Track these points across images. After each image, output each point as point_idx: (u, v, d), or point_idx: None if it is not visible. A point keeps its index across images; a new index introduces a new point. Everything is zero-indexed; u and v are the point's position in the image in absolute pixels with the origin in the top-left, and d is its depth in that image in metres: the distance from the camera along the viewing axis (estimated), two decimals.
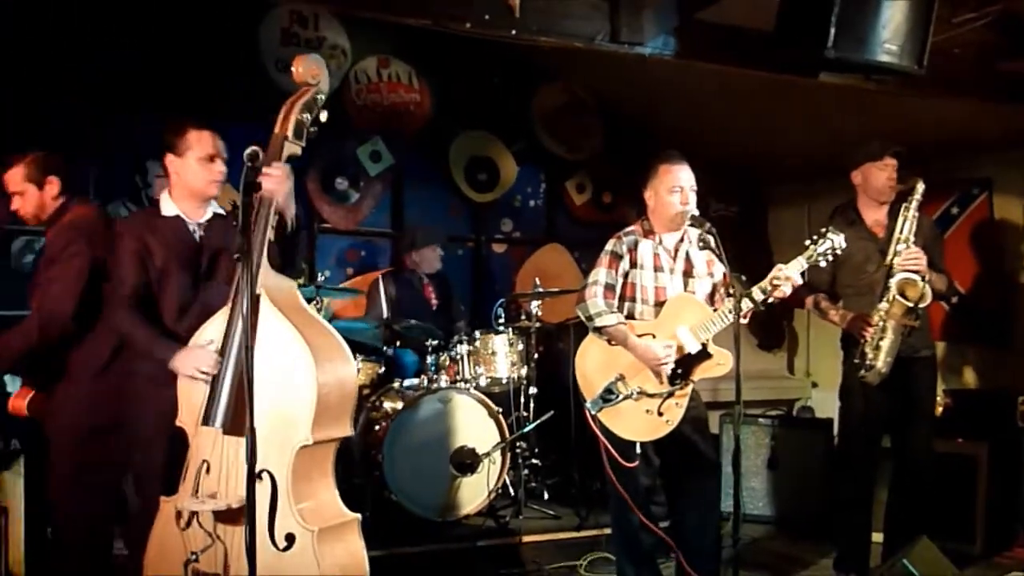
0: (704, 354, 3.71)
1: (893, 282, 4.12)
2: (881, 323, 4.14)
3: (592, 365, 3.85)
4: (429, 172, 6.79)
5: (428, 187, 6.81)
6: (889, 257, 4.17)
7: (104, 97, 5.50)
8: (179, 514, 2.93)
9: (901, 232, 4.17)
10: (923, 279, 4.10)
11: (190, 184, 3.30)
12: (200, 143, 3.27)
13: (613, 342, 3.78)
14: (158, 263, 3.26)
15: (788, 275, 3.63)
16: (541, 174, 7.27)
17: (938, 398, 4.99)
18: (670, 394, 3.71)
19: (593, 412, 3.77)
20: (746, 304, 3.61)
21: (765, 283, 3.65)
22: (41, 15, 5.20)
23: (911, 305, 4.08)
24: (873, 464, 4.41)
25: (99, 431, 3.42)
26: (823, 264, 3.73)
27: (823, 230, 3.72)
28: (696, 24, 3.92)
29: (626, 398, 3.73)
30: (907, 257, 4.13)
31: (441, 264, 5.97)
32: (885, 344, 4.15)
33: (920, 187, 4.18)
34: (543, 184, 7.30)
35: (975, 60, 4.49)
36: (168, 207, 3.34)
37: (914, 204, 4.17)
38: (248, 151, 2.88)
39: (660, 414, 3.71)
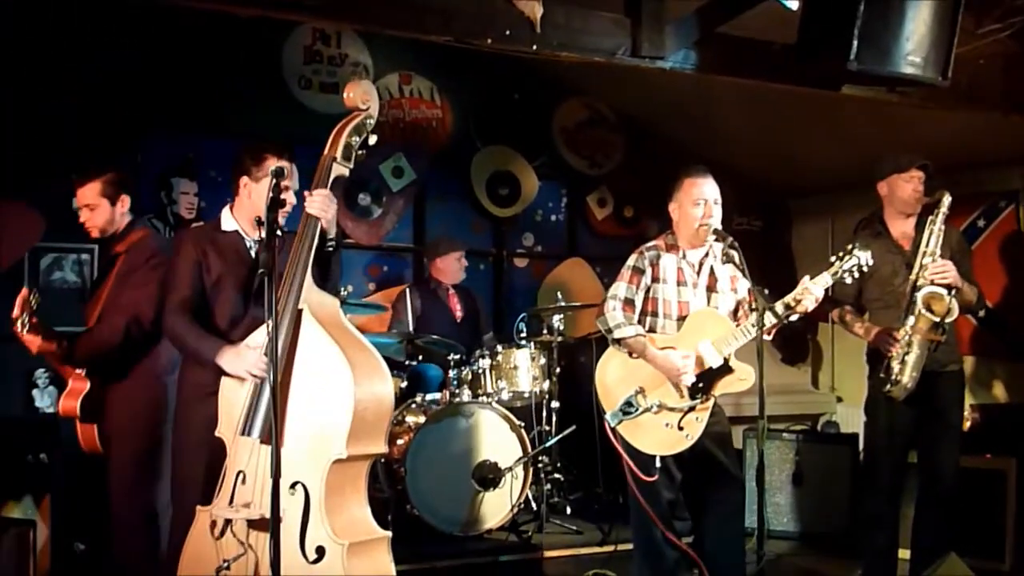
0: (726, 369, 3.70)
1: (919, 296, 4.07)
2: (907, 337, 4.09)
3: (612, 377, 3.84)
4: (451, 187, 6.82)
5: (450, 202, 6.83)
6: (915, 270, 4.13)
7: (131, 116, 5.56)
8: (214, 523, 2.96)
9: (927, 245, 4.12)
10: (950, 292, 4.05)
11: (259, 208, 3.27)
12: None
13: (633, 354, 3.77)
14: (213, 275, 3.30)
15: (812, 292, 3.61)
16: (562, 189, 7.28)
17: (965, 413, 4.93)
18: (691, 408, 3.69)
19: (612, 424, 3.76)
20: (769, 319, 3.59)
21: (789, 298, 3.64)
22: (78, 45, 5.29)
23: (937, 320, 4.03)
24: (899, 479, 4.35)
25: (154, 431, 3.46)
26: (848, 281, 3.71)
27: (849, 247, 3.70)
28: (717, 38, 3.91)
29: (646, 411, 3.72)
30: (935, 270, 4.08)
31: (464, 275, 5.98)
32: (911, 359, 4.09)
33: (947, 199, 4.13)
34: (564, 199, 7.30)
35: (1001, 71, 4.45)
36: (228, 223, 3.38)
37: (940, 216, 4.13)
38: (274, 167, 2.95)
39: (680, 428, 3.69)
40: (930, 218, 4.15)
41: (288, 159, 3.28)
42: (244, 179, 3.33)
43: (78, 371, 3.74)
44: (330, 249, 3.21)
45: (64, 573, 4.16)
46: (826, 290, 3.77)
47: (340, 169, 3.15)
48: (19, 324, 3.64)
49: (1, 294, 5.18)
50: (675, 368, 3.68)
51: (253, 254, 3.37)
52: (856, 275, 3.70)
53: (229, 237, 3.36)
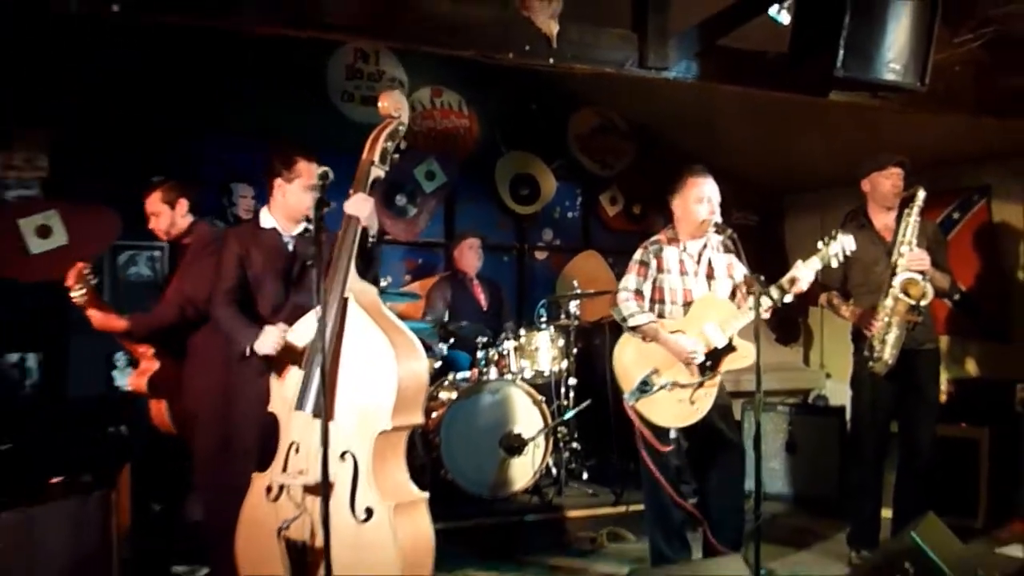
0: (730, 347, 3.69)
1: (897, 281, 4.06)
2: (887, 319, 4.08)
3: (629, 360, 3.82)
4: (478, 188, 6.83)
5: (477, 201, 6.84)
6: (893, 258, 4.11)
7: (195, 131, 5.61)
8: (269, 488, 2.98)
9: (904, 235, 4.10)
10: (925, 278, 4.02)
11: (293, 206, 3.34)
12: (308, 172, 3.29)
13: (647, 339, 3.76)
14: (255, 268, 3.32)
15: (804, 275, 3.60)
16: (577, 189, 7.27)
17: (942, 387, 4.90)
18: (700, 384, 3.68)
19: (631, 402, 3.73)
20: (766, 301, 3.57)
21: (784, 281, 3.63)
22: (156, 65, 5.36)
23: (914, 303, 4.02)
24: (882, 447, 4.32)
25: (219, 407, 3.44)
26: (835, 264, 3.69)
27: (833, 232, 3.70)
28: (716, 50, 3.88)
29: (660, 389, 3.71)
30: (911, 259, 4.06)
31: (480, 262, 5.93)
32: (891, 338, 4.09)
33: (921, 194, 4.11)
34: (579, 197, 7.29)
35: (973, 77, 4.40)
36: (267, 220, 3.40)
37: (916, 209, 4.10)
38: (319, 170, 2.96)
39: (692, 403, 3.69)
40: (906, 211, 4.13)
41: (315, 160, 3.29)
42: (277, 181, 3.34)
43: (149, 352, 3.78)
44: (372, 242, 3.21)
45: (142, 531, 4.20)
46: (816, 277, 3.75)
47: (377, 172, 3.15)
48: (74, 294, 3.67)
49: None
50: (685, 350, 3.67)
51: (290, 248, 3.38)
52: (842, 258, 3.68)
53: (268, 234, 3.37)
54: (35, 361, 5.02)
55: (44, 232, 5.09)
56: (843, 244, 3.65)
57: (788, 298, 3.69)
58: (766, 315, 3.63)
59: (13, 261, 5.01)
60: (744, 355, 3.68)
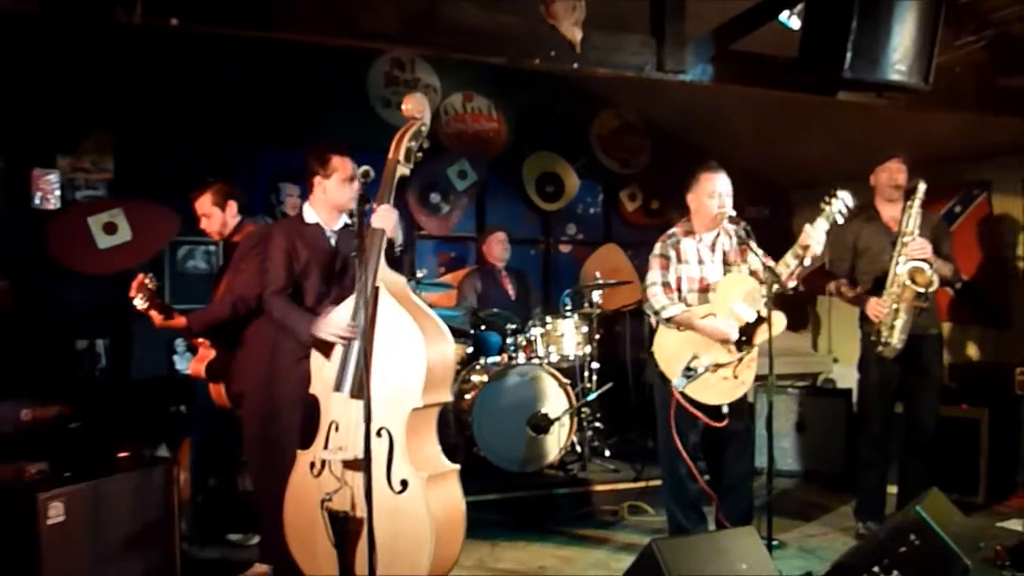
0: (760, 320, 3.61)
1: (903, 270, 3.98)
2: (894, 306, 4.01)
3: (668, 351, 3.74)
4: (506, 186, 6.82)
5: (505, 199, 6.83)
6: (897, 248, 4.03)
7: (246, 135, 5.65)
8: (313, 464, 2.99)
9: (907, 226, 4.03)
10: (930, 266, 3.95)
11: (333, 200, 3.31)
12: (343, 167, 3.27)
13: (681, 327, 3.71)
14: (302, 261, 3.29)
15: (814, 237, 3.51)
16: (599, 186, 7.23)
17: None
18: (740, 359, 3.62)
19: (680, 389, 3.65)
20: (787, 267, 3.52)
21: (797, 247, 3.55)
22: (209, 74, 5.39)
23: (921, 290, 3.94)
24: (887, 427, 4.25)
25: (268, 389, 3.44)
26: (840, 220, 3.59)
27: (832, 191, 3.59)
28: (730, 54, 3.83)
29: (704, 372, 3.65)
30: (913, 247, 3.98)
31: (508, 254, 5.92)
32: (899, 323, 4.01)
33: (922, 187, 4.03)
34: (601, 194, 7.25)
35: (974, 77, 4.31)
36: (310, 216, 3.37)
37: (917, 201, 4.03)
38: (361, 169, 2.95)
39: (735, 377, 3.62)
40: (908, 203, 4.05)
41: (348, 155, 3.27)
42: (316, 178, 3.31)
43: (207, 342, 3.80)
44: (398, 253, 3.18)
45: (200, 503, 4.24)
46: (823, 267, 3.68)
47: (403, 170, 3.10)
48: (137, 303, 3.70)
49: None
50: (720, 332, 3.61)
51: (332, 242, 3.36)
52: (845, 212, 3.57)
53: (312, 229, 3.35)
54: (103, 347, 5.09)
55: (110, 229, 5.15)
56: (843, 200, 3.56)
57: (807, 261, 3.58)
58: (792, 284, 3.59)
59: (83, 256, 5.08)
60: (776, 323, 3.54)
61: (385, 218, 3.04)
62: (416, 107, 3.16)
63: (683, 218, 3.92)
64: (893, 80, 3.58)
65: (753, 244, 3.64)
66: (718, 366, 3.63)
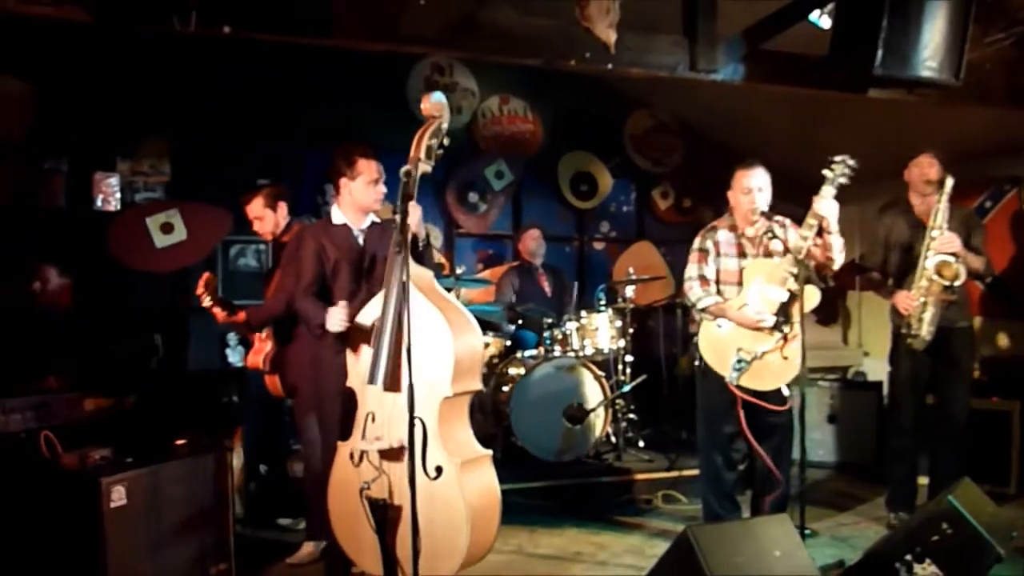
0: (794, 297, 3.55)
1: (930, 264, 3.92)
2: (922, 299, 3.95)
3: (717, 349, 3.68)
4: (542, 185, 6.80)
5: (541, 197, 6.81)
6: (926, 242, 3.96)
7: (293, 138, 5.71)
8: (352, 454, 3.01)
9: (935, 221, 3.95)
10: (957, 260, 3.86)
11: (359, 201, 3.33)
12: (368, 169, 3.29)
13: (716, 318, 3.67)
14: (331, 260, 3.31)
15: (824, 206, 3.49)
16: (632, 184, 7.18)
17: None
18: (784, 339, 3.56)
19: (733, 383, 3.61)
20: (805, 241, 3.48)
21: (808, 219, 3.49)
22: (260, 80, 5.47)
23: (947, 283, 3.87)
24: (918, 417, 4.18)
25: (318, 381, 3.47)
26: (845, 181, 3.53)
27: (837, 159, 3.55)
28: (760, 53, 3.79)
29: (752, 361, 3.60)
30: (941, 241, 3.91)
31: (543, 250, 5.90)
32: (927, 316, 3.96)
33: (950, 182, 3.95)
34: (634, 193, 7.20)
35: (1005, 74, 4.21)
36: (338, 217, 3.38)
37: (945, 196, 3.94)
38: (403, 169, 2.97)
39: (785, 358, 3.56)
40: (936, 198, 3.97)
41: (373, 157, 3.28)
42: (343, 180, 3.32)
43: (262, 336, 3.86)
44: (421, 248, 3.17)
45: (252, 488, 4.31)
46: (853, 260, 3.61)
47: (424, 167, 3.07)
48: (203, 300, 3.78)
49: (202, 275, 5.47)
50: (753, 320, 3.57)
51: (360, 241, 3.36)
52: (848, 172, 3.52)
53: (340, 229, 3.35)
54: (160, 340, 5.19)
55: (167, 229, 5.25)
56: (845, 163, 3.50)
57: (832, 236, 3.52)
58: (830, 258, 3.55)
59: (142, 254, 5.19)
60: (810, 297, 3.51)
61: (410, 213, 3.02)
62: (434, 107, 3.14)
63: (718, 216, 3.90)
64: (924, 76, 3.50)
65: (784, 238, 3.59)
66: (764, 353, 3.58)
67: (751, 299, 3.61)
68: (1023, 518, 4.11)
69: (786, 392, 3.64)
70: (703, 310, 3.70)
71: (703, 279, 3.73)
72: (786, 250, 3.54)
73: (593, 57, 3.51)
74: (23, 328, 3.99)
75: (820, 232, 3.51)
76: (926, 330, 3.95)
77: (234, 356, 5.24)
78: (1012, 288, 5.34)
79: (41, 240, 4.91)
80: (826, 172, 3.54)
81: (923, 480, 4.26)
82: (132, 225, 5.21)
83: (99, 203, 5.15)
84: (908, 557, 2.95)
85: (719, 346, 3.68)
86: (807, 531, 3.46)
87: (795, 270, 3.50)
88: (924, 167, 4.06)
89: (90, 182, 5.14)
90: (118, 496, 3.02)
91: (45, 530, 3.02)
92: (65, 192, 5.09)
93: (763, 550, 2.66)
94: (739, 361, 3.61)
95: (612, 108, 6.84)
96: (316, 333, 3.21)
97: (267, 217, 3.99)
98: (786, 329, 3.55)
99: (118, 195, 5.18)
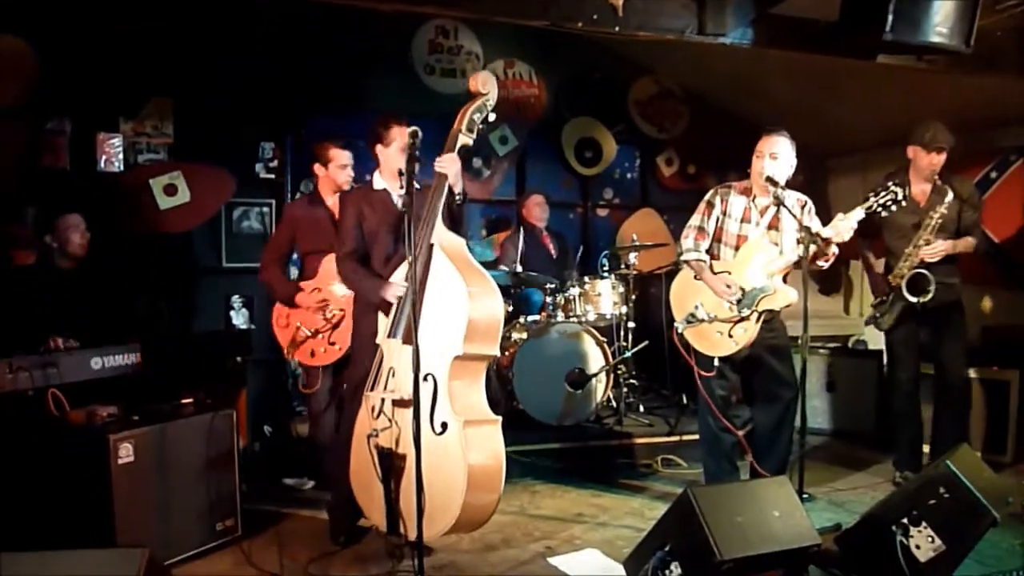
0: (770, 288, 3.59)
1: (903, 283, 4.05)
2: (891, 296, 4.12)
3: (682, 293, 3.83)
4: (546, 151, 6.75)
5: (545, 163, 6.76)
6: (916, 239, 4.04)
7: (295, 101, 5.66)
8: (373, 407, 3.10)
9: (925, 231, 4.03)
10: (932, 277, 3.98)
11: (391, 167, 3.35)
12: (402, 135, 3.28)
13: (695, 275, 3.74)
14: (371, 225, 3.36)
15: (846, 226, 3.49)
16: (636, 151, 7.13)
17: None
18: (739, 320, 3.62)
19: (680, 330, 3.75)
20: (811, 247, 3.47)
21: (828, 228, 3.53)
22: (266, 46, 5.38)
23: (912, 300, 4.03)
24: (916, 379, 4.24)
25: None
26: (884, 213, 3.54)
27: (887, 183, 3.53)
28: (769, 17, 3.75)
29: (703, 321, 3.68)
30: (927, 251, 4.01)
31: (546, 217, 5.90)
32: (895, 310, 4.13)
33: (949, 196, 4.00)
34: (638, 159, 7.15)
35: (1016, 41, 4.16)
36: (378, 183, 3.42)
37: (940, 210, 3.99)
38: (410, 129, 2.99)
39: (730, 336, 3.64)
40: (931, 212, 4.01)
41: (407, 124, 3.28)
42: (379, 147, 3.36)
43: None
44: (459, 202, 3.23)
45: (256, 449, 4.35)
46: (857, 230, 3.61)
47: (464, 139, 3.20)
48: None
49: (205, 238, 5.48)
50: (721, 289, 3.64)
51: (400, 205, 3.38)
52: (892, 208, 3.51)
53: (379, 195, 3.40)
54: (165, 302, 5.20)
55: (171, 191, 5.23)
56: (897, 194, 3.47)
57: (833, 248, 3.55)
58: (826, 264, 3.58)
59: (146, 216, 5.17)
60: (780, 298, 3.59)
61: (448, 163, 3.13)
62: (481, 83, 3.25)
63: (718, 183, 3.92)
64: (934, 42, 3.47)
65: (789, 208, 3.59)
66: (716, 319, 3.65)
67: (735, 271, 3.67)
68: (1019, 485, 4.15)
69: (716, 363, 3.70)
70: (685, 261, 3.78)
71: (700, 230, 3.77)
72: (801, 227, 3.53)
73: (600, 19, 3.47)
74: (31, 288, 4.00)
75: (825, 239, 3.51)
76: (887, 323, 4.15)
77: (239, 318, 5.26)
78: (1016, 257, 5.35)
79: (44, 201, 4.89)
80: (870, 197, 3.52)
81: (925, 448, 4.32)
82: (136, 188, 5.19)
83: (102, 164, 5.12)
84: (905, 520, 2.98)
85: (685, 292, 3.78)
86: (805, 495, 3.51)
87: (779, 264, 3.58)
88: (935, 160, 4.04)
89: (93, 143, 5.11)
90: (126, 453, 3.06)
91: (55, 486, 3.06)
92: (68, 153, 5.06)
93: (763, 510, 2.70)
94: (692, 315, 3.70)
95: (617, 73, 6.77)
96: (372, 298, 3.24)
97: (319, 173, 3.96)
98: (745, 312, 3.60)
99: (121, 156, 5.16)
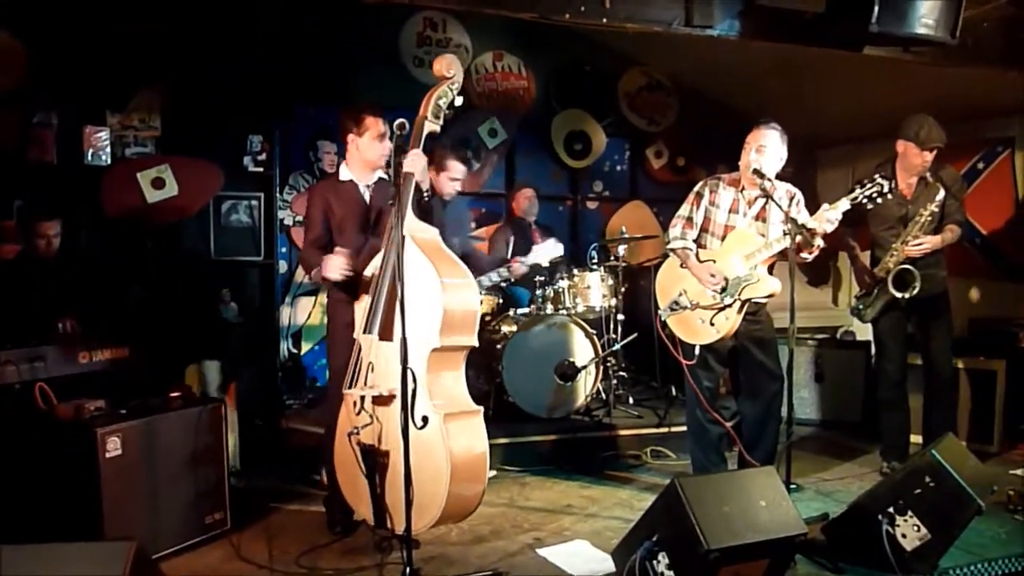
0: (754, 278, 3.61)
1: (890, 278, 4.07)
2: (876, 290, 4.15)
3: (668, 280, 3.87)
4: (535, 144, 6.74)
5: (534, 156, 6.75)
6: (903, 234, 4.07)
7: (284, 93, 5.63)
8: (355, 403, 3.08)
9: (912, 231, 4.06)
10: (917, 273, 3.99)
11: (365, 157, 3.35)
12: (375, 125, 3.31)
13: (680, 263, 3.78)
14: (338, 216, 3.36)
15: (832, 216, 3.50)
16: (626, 143, 7.12)
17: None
18: (721, 309, 3.64)
19: (663, 318, 3.78)
20: (785, 240, 3.50)
21: (813, 219, 3.54)
22: (250, 37, 5.28)
23: (897, 295, 4.04)
24: (903, 369, 4.26)
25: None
26: (869, 205, 3.55)
27: (874, 175, 3.54)
28: (757, 8, 3.74)
29: (685, 308, 3.71)
30: (913, 244, 4.03)
31: (536, 211, 5.91)
32: (878, 303, 4.16)
33: (941, 194, 4.03)
34: (627, 152, 7.15)
35: (1001, 33, 4.17)
36: (345, 174, 3.42)
37: (930, 208, 4.02)
38: (396, 122, 2.98)
39: (712, 324, 3.67)
40: (920, 210, 4.04)
41: (380, 115, 3.28)
42: (350, 136, 3.35)
43: None
44: (427, 198, 3.24)
45: (248, 441, 4.34)
46: (843, 221, 3.63)
47: (431, 126, 3.16)
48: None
49: (193, 231, 5.46)
50: (705, 278, 3.66)
51: (367, 197, 3.41)
52: (878, 200, 3.53)
53: (347, 186, 3.40)
54: (153, 295, 5.17)
55: (158, 184, 5.19)
56: (883, 186, 3.48)
57: (818, 240, 3.55)
58: (811, 256, 3.58)
59: (133, 209, 5.14)
60: (763, 287, 3.61)
61: (414, 162, 3.09)
62: (446, 67, 3.19)
63: (708, 176, 3.95)
64: (920, 34, 3.49)
65: (776, 201, 3.60)
66: (698, 306, 3.68)
67: (720, 260, 3.69)
68: (1005, 475, 4.19)
69: (697, 352, 3.73)
70: (672, 250, 3.82)
71: (688, 220, 3.80)
72: (787, 218, 3.53)
73: (588, 11, 3.46)
74: (15, 281, 3.98)
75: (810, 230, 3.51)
76: (869, 315, 4.20)
77: (227, 312, 5.23)
78: (1003, 248, 5.38)
79: (31, 194, 4.85)
80: (856, 189, 3.53)
81: (916, 439, 4.35)
82: (124, 181, 5.15)
83: (89, 157, 5.08)
84: (891, 510, 3.01)
85: (670, 280, 3.82)
86: (792, 485, 3.52)
87: (764, 255, 3.59)
88: (927, 159, 4.04)
89: (80, 135, 5.07)
90: (114, 446, 3.05)
91: (42, 480, 3.05)
92: (55, 145, 5.01)
93: (749, 500, 2.71)
94: (675, 302, 3.74)
95: (606, 66, 6.76)
96: (317, 280, 3.27)
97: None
98: (727, 301, 3.62)
99: (108, 149, 5.11)
